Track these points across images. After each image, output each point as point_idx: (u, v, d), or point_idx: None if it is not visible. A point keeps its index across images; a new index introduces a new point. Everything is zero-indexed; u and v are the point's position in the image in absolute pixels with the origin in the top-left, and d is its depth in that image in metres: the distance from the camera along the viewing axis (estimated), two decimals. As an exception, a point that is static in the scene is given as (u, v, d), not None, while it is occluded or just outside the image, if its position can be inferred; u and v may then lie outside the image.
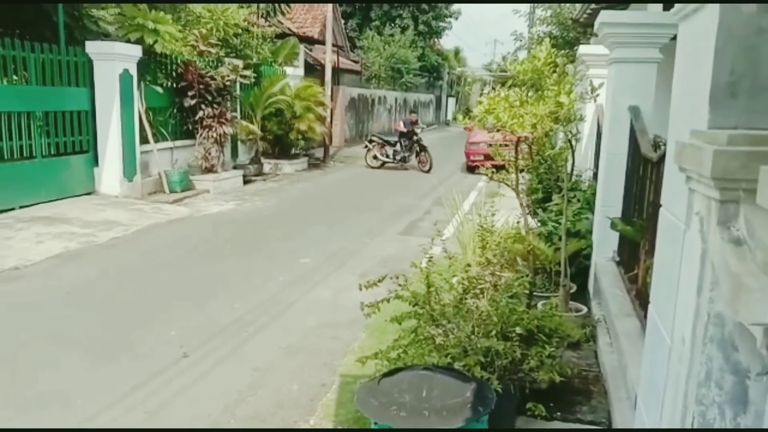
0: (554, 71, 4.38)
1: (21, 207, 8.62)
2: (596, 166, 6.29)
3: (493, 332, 3.21)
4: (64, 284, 5.97)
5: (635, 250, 4.15)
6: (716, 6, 1.68)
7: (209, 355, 4.49)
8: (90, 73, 9.84)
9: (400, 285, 3.55)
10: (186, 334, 4.84)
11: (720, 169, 1.55)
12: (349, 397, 3.68)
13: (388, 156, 16.22)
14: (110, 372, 4.18)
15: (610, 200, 4.95)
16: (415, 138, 16.08)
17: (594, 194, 5.61)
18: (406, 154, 16.12)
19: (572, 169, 5.65)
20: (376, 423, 2.54)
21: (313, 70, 19.54)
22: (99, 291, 5.81)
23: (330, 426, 3.56)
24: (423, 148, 16.00)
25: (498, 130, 4.34)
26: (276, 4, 15.02)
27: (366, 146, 16.87)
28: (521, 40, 18.69)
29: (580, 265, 5.36)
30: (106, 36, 10.67)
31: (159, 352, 4.50)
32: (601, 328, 4.38)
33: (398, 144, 16.26)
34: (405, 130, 16.19)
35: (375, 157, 16.31)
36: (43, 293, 5.71)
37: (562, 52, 11.74)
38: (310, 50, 21.19)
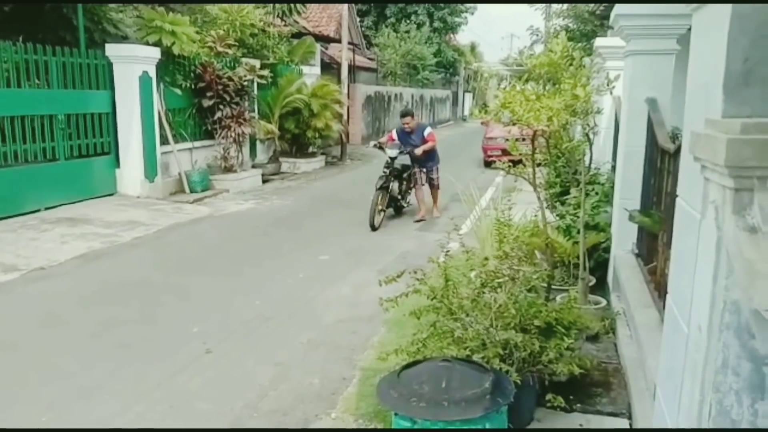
0: (571, 64, 4.37)
1: (46, 209, 8.80)
2: (614, 158, 6.26)
3: (512, 325, 3.24)
4: (88, 283, 6.09)
5: (654, 242, 4.13)
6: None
7: (231, 351, 4.57)
8: (110, 75, 9.99)
9: (418, 280, 3.59)
10: (208, 330, 4.92)
11: (734, 157, 1.56)
12: (370, 390, 3.72)
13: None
14: (135, 368, 4.27)
15: (628, 193, 4.93)
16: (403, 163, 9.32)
17: (612, 187, 5.58)
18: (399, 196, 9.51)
19: (590, 162, 5.62)
20: (396, 414, 2.57)
21: (330, 68, 19.59)
22: (123, 290, 5.91)
23: (351, 419, 3.60)
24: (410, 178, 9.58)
25: (514, 124, 4.34)
26: (292, 4, 15.05)
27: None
28: (537, 35, 18.58)
29: (599, 258, 5.35)
30: (124, 38, 10.83)
31: (182, 348, 4.58)
32: (621, 320, 4.38)
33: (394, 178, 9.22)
34: (396, 153, 9.14)
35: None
36: (68, 293, 5.83)
37: (579, 45, 11.64)
38: (326, 48, 21.24)
